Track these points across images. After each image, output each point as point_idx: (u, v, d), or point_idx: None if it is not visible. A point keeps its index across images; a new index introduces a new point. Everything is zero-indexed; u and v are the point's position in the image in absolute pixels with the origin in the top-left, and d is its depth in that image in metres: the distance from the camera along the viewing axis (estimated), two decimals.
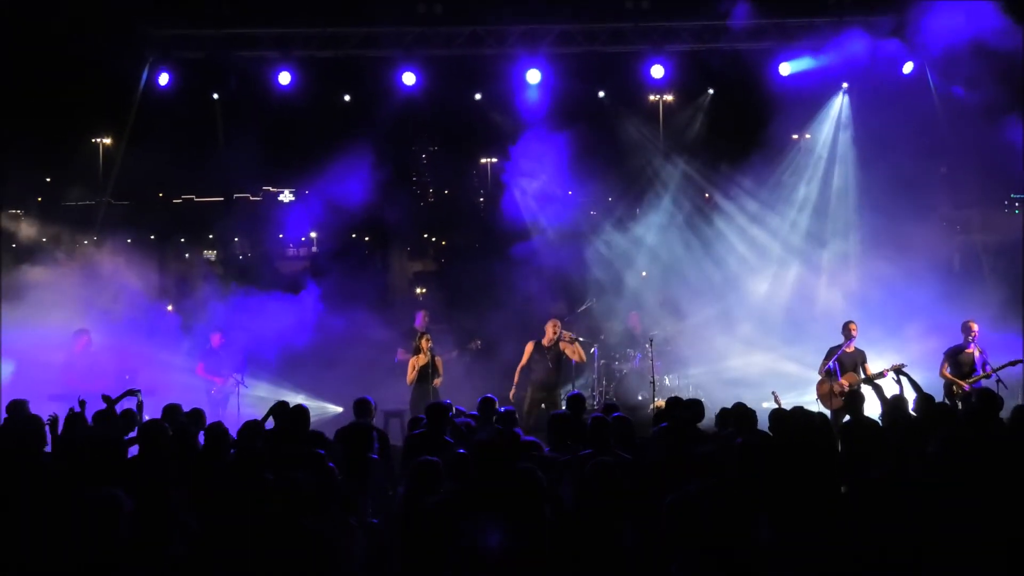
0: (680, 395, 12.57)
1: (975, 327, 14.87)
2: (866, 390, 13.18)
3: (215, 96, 20.83)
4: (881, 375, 14.38)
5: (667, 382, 19.03)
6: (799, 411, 9.98)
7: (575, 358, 16.25)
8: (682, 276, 21.02)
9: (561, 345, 15.98)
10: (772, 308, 20.09)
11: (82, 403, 11.28)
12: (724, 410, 10.70)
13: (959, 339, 14.96)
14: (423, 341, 15.81)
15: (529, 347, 16.03)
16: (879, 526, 6.53)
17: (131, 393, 12.02)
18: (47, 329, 17.40)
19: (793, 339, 18.84)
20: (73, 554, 5.90)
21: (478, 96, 21.49)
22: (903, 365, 14.32)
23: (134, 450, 9.54)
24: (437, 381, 15.79)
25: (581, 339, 16.71)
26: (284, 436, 10.05)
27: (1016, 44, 16.70)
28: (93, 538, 5.88)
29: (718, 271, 21.03)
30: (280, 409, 10.85)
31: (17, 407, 11.13)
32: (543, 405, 15.51)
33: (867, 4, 18.93)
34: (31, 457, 8.83)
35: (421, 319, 18.04)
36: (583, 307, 19.53)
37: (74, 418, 10.79)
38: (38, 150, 19.70)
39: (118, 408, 11.63)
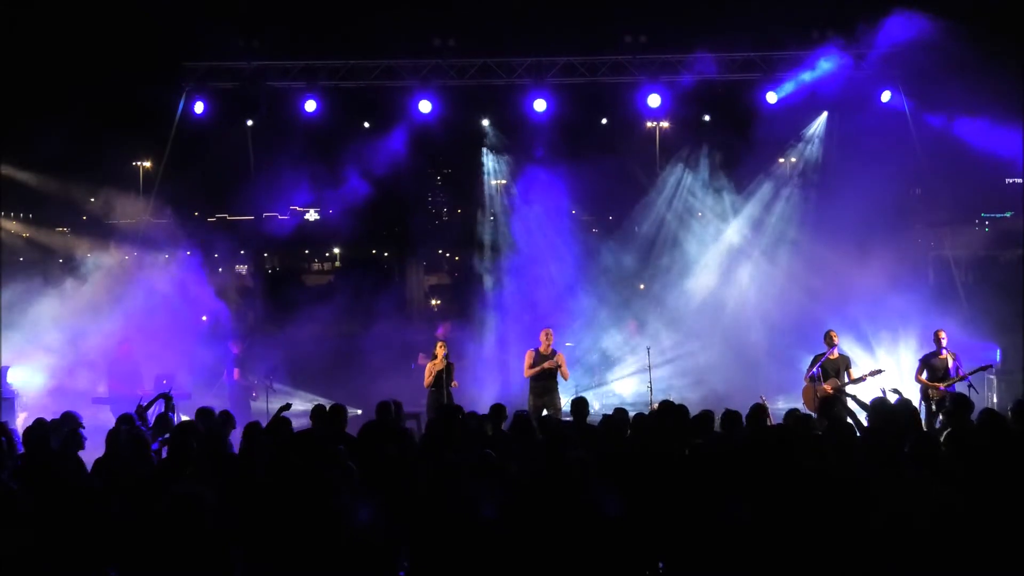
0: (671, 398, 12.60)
1: (943, 335, 14.88)
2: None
3: (247, 123, 20.93)
4: (862, 379, 14.45)
5: (663, 386, 19.01)
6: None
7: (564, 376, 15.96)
8: (675, 288, 21.05)
9: (557, 358, 15.70)
10: (758, 318, 20.06)
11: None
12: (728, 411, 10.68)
13: (933, 347, 14.98)
14: (439, 348, 15.81)
15: (528, 356, 15.80)
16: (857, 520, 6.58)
17: (163, 397, 12.02)
18: (91, 337, 17.53)
19: (779, 347, 18.85)
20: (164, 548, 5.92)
21: (486, 122, 21.59)
22: (881, 370, 14.39)
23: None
24: (453, 384, 15.76)
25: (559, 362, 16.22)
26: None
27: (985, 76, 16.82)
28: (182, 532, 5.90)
29: (708, 283, 21.03)
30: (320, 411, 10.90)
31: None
32: (545, 410, 15.26)
33: (848, 37, 19.01)
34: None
35: (442, 329, 18.14)
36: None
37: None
38: (83, 173, 19.86)
39: (153, 412, 11.64)
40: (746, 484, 7.26)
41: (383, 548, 6.62)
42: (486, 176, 22.92)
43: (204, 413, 10.79)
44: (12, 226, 20.85)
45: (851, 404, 12.67)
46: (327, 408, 10.82)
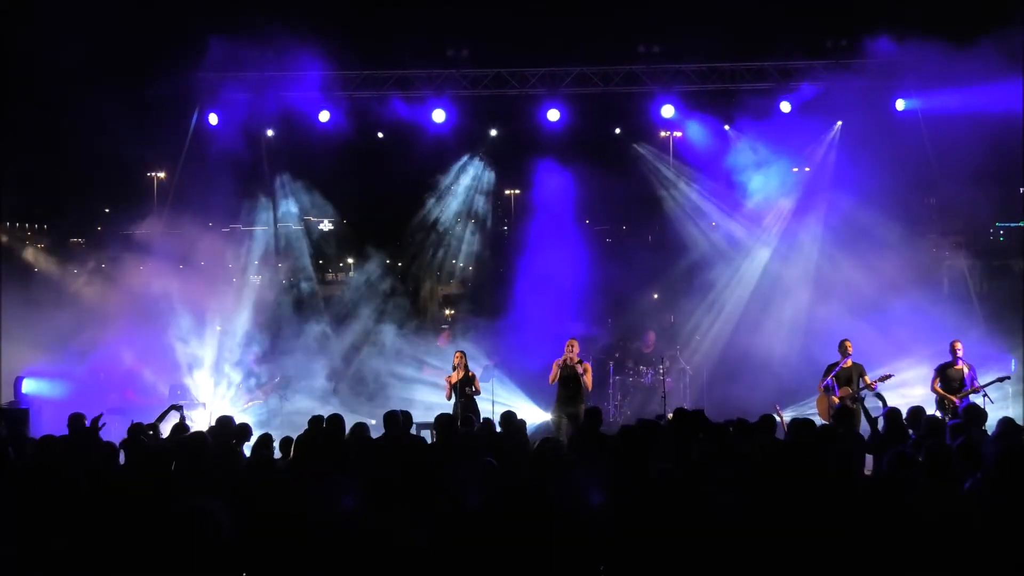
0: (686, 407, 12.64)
1: (960, 346, 14.94)
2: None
3: (264, 133, 21.07)
4: (871, 387, 14.50)
5: (678, 396, 19.04)
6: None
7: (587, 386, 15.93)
8: (690, 297, 21.07)
9: (577, 367, 15.70)
10: (772, 327, 20.02)
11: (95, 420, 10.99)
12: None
13: (949, 357, 14.99)
14: (456, 358, 15.85)
15: (554, 367, 15.82)
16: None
17: (175, 408, 12.07)
18: (106, 347, 17.62)
19: (793, 356, 18.82)
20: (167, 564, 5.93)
21: (493, 132, 21.63)
22: (890, 375, 14.43)
23: None
24: (476, 391, 15.80)
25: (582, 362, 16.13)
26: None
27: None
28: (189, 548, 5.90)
29: (721, 293, 21.03)
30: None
31: (76, 421, 11.10)
32: (566, 422, 15.25)
33: (862, 47, 19.03)
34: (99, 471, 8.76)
35: (443, 339, 18.18)
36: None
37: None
38: (98, 184, 19.94)
39: (167, 421, 11.70)
40: (752, 489, 7.32)
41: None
42: (499, 186, 23.03)
43: (222, 422, 10.87)
44: (28, 237, 20.98)
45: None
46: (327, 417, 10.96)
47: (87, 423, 10.87)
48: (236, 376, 18.06)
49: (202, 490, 7.89)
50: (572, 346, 15.71)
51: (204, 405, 17.17)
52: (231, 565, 6.04)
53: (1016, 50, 16.94)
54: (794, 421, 9.70)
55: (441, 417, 11.14)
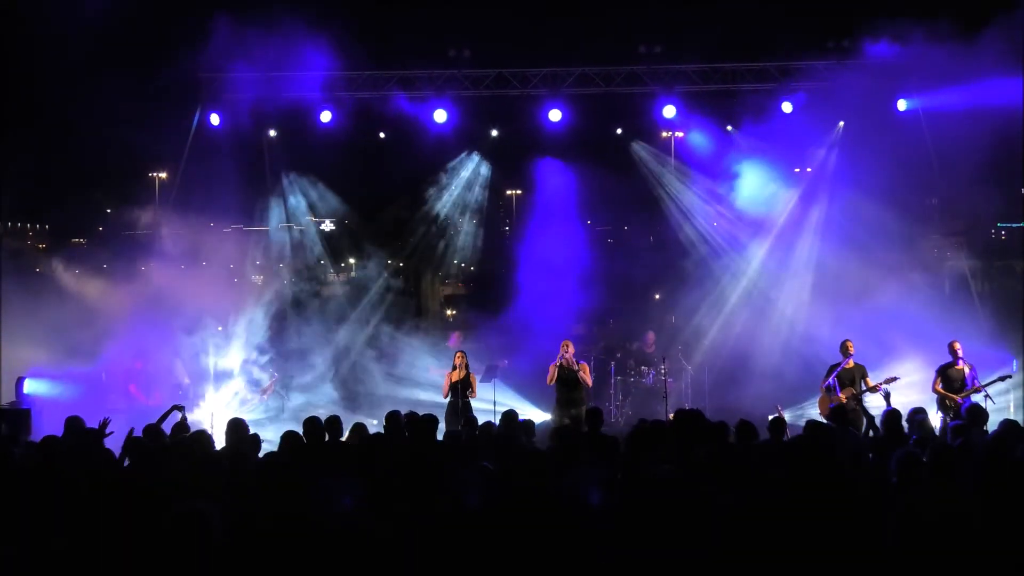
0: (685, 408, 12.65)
1: (959, 346, 14.89)
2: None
3: (266, 133, 21.09)
4: (875, 389, 14.45)
5: (679, 396, 19.02)
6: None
7: (587, 383, 16.01)
8: (691, 297, 21.03)
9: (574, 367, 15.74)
10: (774, 327, 20.00)
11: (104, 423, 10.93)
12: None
13: (949, 358, 14.95)
14: (457, 359, 15.83)
15: (552, 368, 15.84)
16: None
17: (176, 408, 12.03)
18: (109, 348, 17.59)
19: (795, 357, 18.78)
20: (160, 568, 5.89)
21: (494, 132, 21.59)
22: (896, 378, 14.36)
23: None
24: (472, 394, 15.77)
25: (579, 362, 16.16)
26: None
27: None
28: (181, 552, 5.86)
29: (726, 292, 21.01)
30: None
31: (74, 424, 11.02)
32: (568, 423, 15.16)
33: (863, 47, 18.98)
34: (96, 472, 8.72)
35: (455, 339, 18.10)
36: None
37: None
38: (100, 184, 19.91)
39: (169, 421, 11.65)
40: (752, 489, 7.31)
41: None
42: (500, 186, 22.99)
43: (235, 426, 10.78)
44: (29, 236, 20.96)
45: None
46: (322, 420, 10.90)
47: (87, 425, 10.80)
48: (239, 376, 18.05)
49: (202, 491, 7.87)
50: (567, 347, 15.75)
51: (206, 404, 17.17)
52: (222, 568, 6.03)
53: (1017, 41, 16.91)
54: (810, 423, 9.73)
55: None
